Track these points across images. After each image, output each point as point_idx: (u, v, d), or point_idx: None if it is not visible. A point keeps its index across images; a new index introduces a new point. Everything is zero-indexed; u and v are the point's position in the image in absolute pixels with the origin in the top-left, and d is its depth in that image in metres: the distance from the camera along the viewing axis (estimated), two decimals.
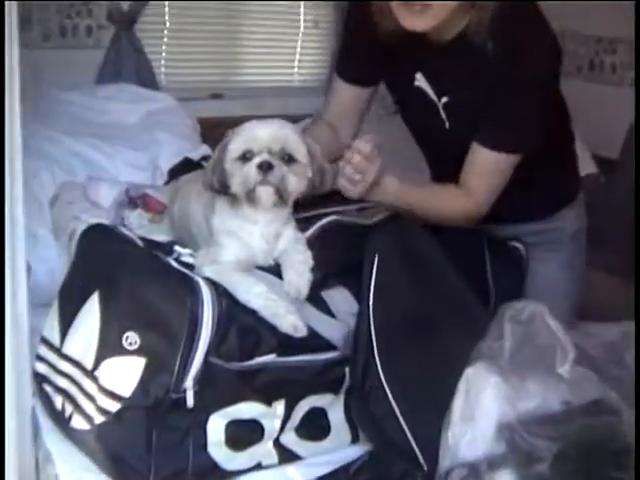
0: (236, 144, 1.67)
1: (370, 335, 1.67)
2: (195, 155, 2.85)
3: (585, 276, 2.37)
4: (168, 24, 4.02)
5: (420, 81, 2.02)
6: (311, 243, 1.76)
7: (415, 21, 1.81)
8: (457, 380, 1.60)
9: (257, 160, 1.63)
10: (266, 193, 1.65)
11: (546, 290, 2.18)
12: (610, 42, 3.75)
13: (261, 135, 1.66)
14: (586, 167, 3.29)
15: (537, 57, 1.85)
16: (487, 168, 1.92)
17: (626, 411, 1.56)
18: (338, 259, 1.79)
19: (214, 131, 3.48)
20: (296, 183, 1.67)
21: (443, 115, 2.02)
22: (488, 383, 1.56)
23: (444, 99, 2.00)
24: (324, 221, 1.82)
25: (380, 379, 1.65)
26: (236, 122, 3.97)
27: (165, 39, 4.05)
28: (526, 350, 1.60)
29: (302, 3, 4.40)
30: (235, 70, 4.39)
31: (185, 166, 2.70)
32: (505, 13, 1.82)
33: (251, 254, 1.72)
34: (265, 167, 1.62)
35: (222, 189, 1.69)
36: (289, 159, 1.66)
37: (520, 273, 2.18)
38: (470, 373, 1.59)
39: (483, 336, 1.66)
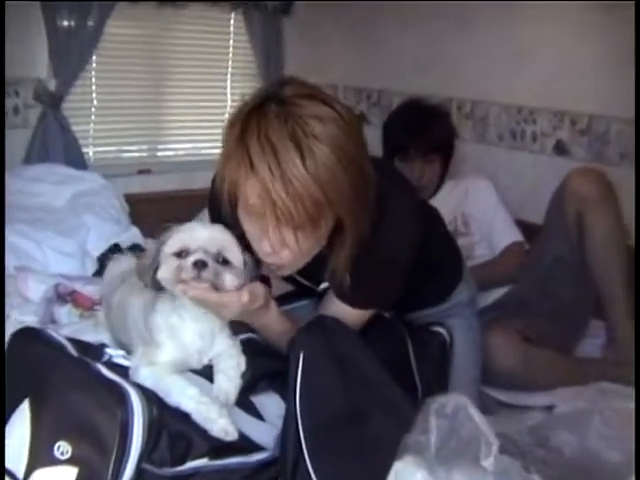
0: (174, 241, 1.70)
1: (298, 433, 1.69)
2: (124, 240, 2.87)
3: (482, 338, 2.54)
4: (95, 102, 4.04)
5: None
6: (244, 346, 1.80)
7: (276, 273, 1.85)
8: (386, 473, 1.63)
9: (192, 258, 1.66)
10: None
11: (457, 355, 2.32)
12: (530, 112, 3.87)
13: (199, 235, 1.69)
14: (510, 236, 3.39)
15: (395, 235, 1.88)
16: (341, 317, 1.92)
17: None
18: (269, 364, 1.84)
19: (143, 207, 3.55)
20: (230, 282, 1.70)
21: (320, 291, 2.07)
22: (415, 477, 1.59)
23: (323, 285, 2.04)
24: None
25: (310, 476, 1.66)
26: (165, 197, 4.04)
27: (92, 117, 4.06)
28: (451, 443, 1.63)
29: (229, 77, 4.48)
30: (163, 145, 4.43)
31: (114, 253, 2.72)
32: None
33: (187, 354, 1.76)
34: (200, 265, 1.66)
35: (156, 285, 1.72)
36: (224, 262, 1.70)
37: (444, 358, 2.24)
38: (399, 467, 1.62)
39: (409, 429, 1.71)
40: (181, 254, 1.68)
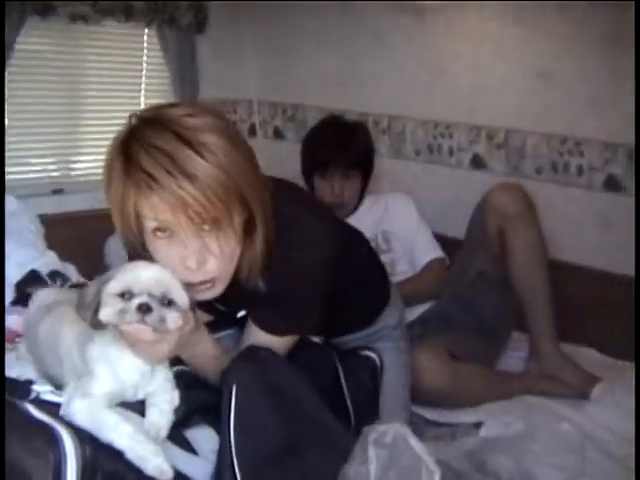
0: (117, 283, 1.63)
1: (233, 467, 1.66)
2: (42, 266, 2.79)
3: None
4: (7, 121, 3.94)
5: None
6: (177, 379, 1.76)
7: (203, 296, 1.79)
8: None
9: (137, 301, 1.61)
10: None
11: (387, 379, 2.31)
12: (447, 126, 3.91)
13: (143, 277, 1.64)
14: (432, 252, 3.42)
15: (303, 256, 1.87)
16: (264, 344, 1.91)
17: None
18: (202, 397, 1.80)
19: (58, 228, 3.47)
20: (174, 324, 1.64)
21: (238, 319, 2.06)
22: None
23: (240, 313, 2.03)
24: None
25: None
26: (79, 216, 3.95)
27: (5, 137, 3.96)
28: (391, 473, 1.64)
29: (142, 93, 4.43)
30: (76, 164, 4.35)
31: (32, 279, 2.66)
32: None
33: (123, 387, 1.70)
34: (144, 309, 1.60)
35: (96, 324, 1.66)
36: (169, 303, 1.64)
37: (375, 382, 2.24)
38: None
39: (347, 459, 1.69)
40: (124, 295, 1.62)
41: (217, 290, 1.80)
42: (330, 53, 4.35)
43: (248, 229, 1.76)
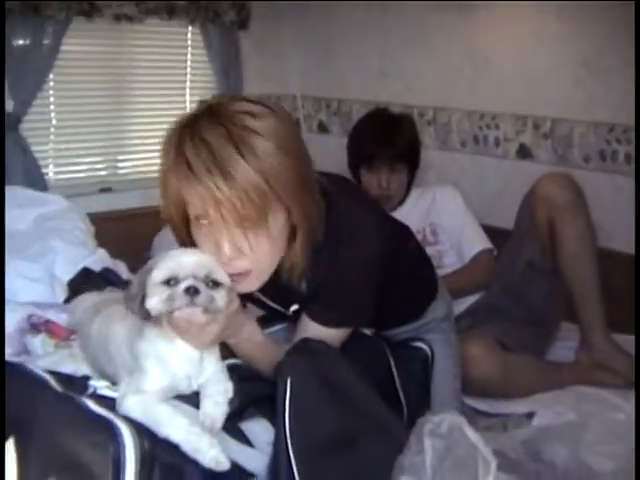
0: (160, 271, 1.66)
1: (289, 458, 1.66)
2: (93, 264, 2.81)
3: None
4: (54, 121, 3.98)
5: (259, 295, 2.05)
6: (231, 372, 1.77)
7: (238, 288, 1.80)
8: None
9: (184, 284, 1.63)
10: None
11: (437, 370, 2.31)
12: (492, 117, 3.89)
13: (186, 261, 1.66)
14: (479, 243, 3.39)
15: (356, 249, 1.88)
16: (318, 337, 1.91)
17: None
18: (256, 389, 1.82)
19: (106, 226, 3.50)
20: (223, 303, 1.67)
21: (290, 315, 2.06)
22: None
23: (293, 307, 2.03)
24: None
25: None
26: (127, 215, 3.99)
27: (51, 136, 4.01)
28: (447, 463, 1.63)
29: (187, 90, 4.45)
30: (123, 162, 4.39)
31: (85, 277, 2.68)
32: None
33: (175, 380, 1.72)
34: (192, 291, 1.63)
35: (144, 315, 1.68)
36: (214, 284, 1.67)
37: (426, 373, 2.23)
38: None
39: (401, 449, 1.69)
40: (169, 282, 1.65)
41: (251, 285, 1.83)
42: (372, 46, 4.35)
43: (290, 233, 1.80)
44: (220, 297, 1.67)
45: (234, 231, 1.71)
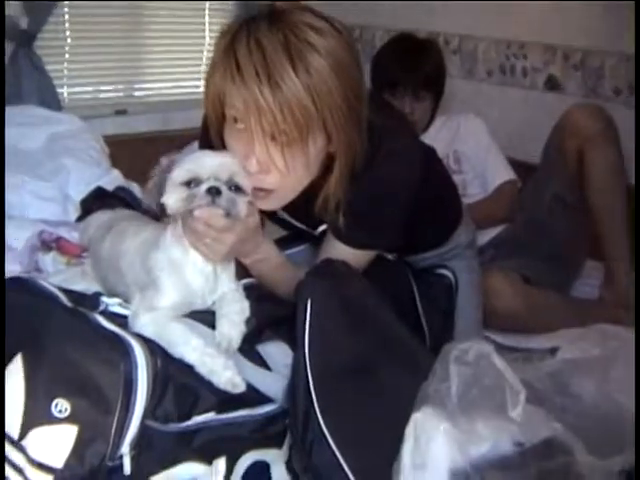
0: (182, 170, 1.60)
1: (308, 383, 1.61)
2: (107, 184, 2.75)
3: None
4: (69, 40, 3.89)
5: (284, 215, 1.99)
6: (247, 292, 1.71)
7: (259, 204, 1.73)
8: (402, 424, 1.57)
9: (206, 185, 1.57)
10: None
11: (459, 298, 2.25)
12: (520, 46, 3.78)
13: (209, 163, 1.60)
14: (504, 174, 3.32)
15: (392, 171, 1.82)
16: (342, 258, 1.85)
17: (577, 447, 1.55)
18: (274, 310, 1.76)
19: (120, 149, 3.44)
20: (245, 210, 1.62)
21: (317, 235, 2.00)
22: (438, 430, 1.53)
23: (321, 227, 1.97)
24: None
25: (321, 428, 1.58)
26: (142, 138, 3.93)
27: (66, 55, 3.91)
28: (473, 392, 1.58)
29: (207, 12, 4.34)
30: (139, 85, 4.30)
31: (98, 196, 2.61)
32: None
33: (189, 294, 1.67)
34: (214, 192, 1.57)
35: (163, 213, 1.63)
36: (236, 189, 1.61)
37: (450, 301, 2.18)
38: (418, 418, 1.57)
39: (425, 377, 1.63)
40: (190, 183, 1.58)
41: (271, 204, 1.77)
42: None
43: (330, 157, 1.73)
44: (242, 202, 1.60)
45: (269, 143, 1.64)
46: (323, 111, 1.61)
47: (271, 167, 1.67)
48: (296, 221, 2.00)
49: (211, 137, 1.80)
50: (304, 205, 1.81)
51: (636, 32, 2.78)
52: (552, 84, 3.69)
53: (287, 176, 1.69)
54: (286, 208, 1.87)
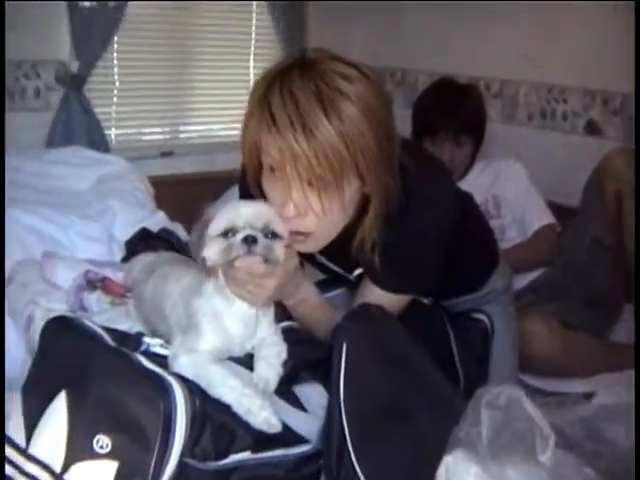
0: (219, 221, 1.65)
1: (342, 424, 1.63)
2: (152, 225, 2.81)
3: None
4: (117, 83, 3.99)
5: (322, 260, 2.03)
6: (285, 335, 1.75)
7: (297, 247, 1.79)
8: (433, 465, 1.58)
9: (242, 234, 1.62)
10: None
11: (495, 343, 2.25)
12: (560, 91, 3.81)
13: (244, 212, 1.65)
14: (543, 218, 3.33)
15: (428, 217, 1.85)
16: (379, 303, 1.87)
17: None
18: (310, 353, 1.79)
19: (165, 190, 3.50)
20: (282, 255, 1.66)
21: (353, 280, 2.04)
22: (468, 472, 1.54)
23: (357, 271, 2.00)
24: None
25: (355, 469, 1.60)
26: (187, 179, 4.00)
27: (114, 98, 4.01)
28: (504, 436, 1.58)
29: (252, 57, 4.43)
30: (185, 127, 4.39)
31: (142, 237, 2.67)
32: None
33: (229, 341, 1.71)
34: (250, 240, 1.61)
35: (203, 265, 1.68)
36: (272, 235, 1.65)
37: (486, 346, 2.19)
38: (449, 461, 1.57)
39: (458, 421, 1.65)
40: (227, 234, 1.63)
41: (308, 246, 1.81)
42: (440, 16, 4.27)
43: (365, 198, 1.77)
44: (279, 247, 1.65)
45: (306, 189, 1.69)
46: (356, 155, 1.65)
47: (308, 211, 1.72)
48: (333, 265, 2.04)
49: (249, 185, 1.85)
50: (341, 248, 1.85)
51: (636, 32, 2.79)
52: (592, 128, 3.72)
53: (324, 219, 1.73)
54: (323, 252, 1.92)
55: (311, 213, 1.72)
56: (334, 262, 2.02)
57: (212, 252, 1.64)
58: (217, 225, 1.65)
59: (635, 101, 2.75)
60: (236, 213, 1.65)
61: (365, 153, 1.67)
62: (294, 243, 1.76)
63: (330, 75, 1.65)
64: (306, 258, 1.90)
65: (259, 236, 1.62)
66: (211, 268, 1.69)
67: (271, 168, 1.71)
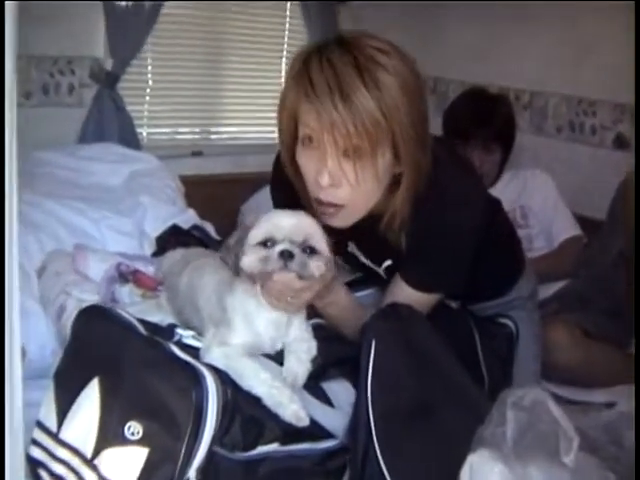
0: (259, 230, 1.67)
1: (369, 421, 1.66)
2: (182, 222, 2.84)
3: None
4: (150, 82, 4.03)
5: (353, 249, 2.06)
6: (315, 332, 1.78)
7: (329, 221, 1.81)
8: (458, 465, 1.60)
9: (279, 247, 1.63)
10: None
11: (519, 348, 2.27)
12: (590, 104, 3.82)
13: (284, 224, 1.66)
14: (570, 229, 3.36)
15: (457, 214, 1.87)
16: (408, 301, 1.89)
17: None
18: (339, 350, 1.83)
19: (195, 189, 3.53)
20: (317, 269, 1.66)
21: (383, 274, 2.06)
22: (492, 471, 1.56)
23: (386, 263, 2.03)
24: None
25: (380, 466, 1.63)
26: (217, 180, 4.02)
27: (147, 97, 4.06)
28: (528, 437, 1.60)
29: (284, 60, 4.46)
30: (216, 128, 4.44)
31: (173, 234, 2.71)
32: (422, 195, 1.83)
33: (259, 340, 1.74)
34: (287, 255, 1.63)
35: (237, 271, 1.70)
36: (311, 251, 1.66)
37: (510, 351, 2.21)
38: (474, 460, 1.60)
39: (482, 421, 1.67)
40: (266, 243, 1.65)
41: (341, 220, 1.83)
42: (472, 26, 4.29)
43: (396, 179, 1.79)
44: (315, 266, 1.66)
45: (341, 159, 1.71)
46: (392, 125, 1.68)
47: (342, 181, 1.74)
48: (363, 255, 2.05)
49: (282, 172, 1.90)
50: (370, 231, 1.88)
51: (636, 32, 2.79)
52: (620, 142, 3.72)
53: (357, 190, 1.75)
54: (354, 237, 1.95)
55: (345, 183, 1.74)
56: (364, 252, 2.04)
57: (249, 261, 1.66)
58: (256, 234, 1.66)
59: (635, 103, 2.74)
60: (276, 224, 1.67)
61: (401, 124, 1.69)
62: (326, 217, 1.79)
63: (367, 49, 1.69)
64: (338, 249, 1.92)
65: (296, 251, 1.63)
66: (248, 275, 1.70)
67: (308, 139, 1.74)
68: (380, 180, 1.77)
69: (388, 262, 2.01)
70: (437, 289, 1.97)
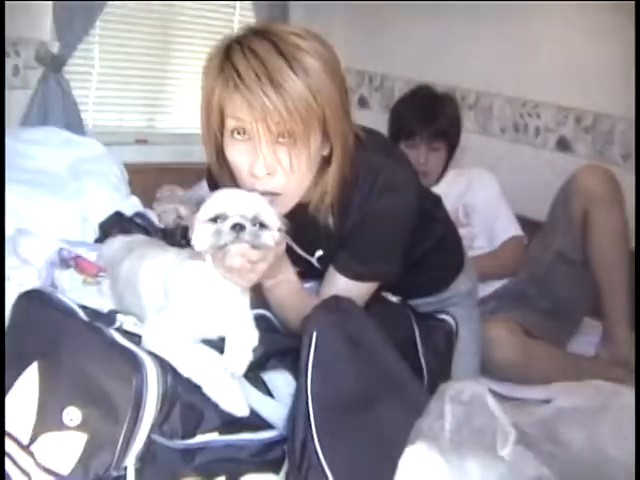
0: (209, 207, 1.66)
1: (308, 413, 1.66)
2: (126, 209, 2.82)
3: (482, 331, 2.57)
4: (97, 67, 3.99)
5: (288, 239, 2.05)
6: (257, 322, 1.77)
7: None
8: (397, 457, 1.61)
9: (230, 221, 1.63)
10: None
11: (458, 345, 2.32)
12: (534, 106, 3.87)
13: (235, 200, 1.66)
14: (511, 230, 3.40)
15: (389, 201, 1.90)
16: (344, 292, 1.91)
17: None
18: (281, 341, 1.83)
19: (139, 177, 3.51)
20: (269, 239, 1.66)
21: (316, 264, 2.07)
22: (430, 464, 1.58)
23: (318, 253, 2.05)
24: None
25: (318, 456, 1.63)
26: (161, 168, 3.99)
27: (93, 82, 4.01)
28: (465, 430, 1.62)
29: None
30: (161, 115, 4.40)
31: (116, 220, 2.69)
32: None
33: (203, 322, 1.73)
34: (238, 228, 1.62)
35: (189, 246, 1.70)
36: (261, 226, 1.66)
37: (449, 346, 2.24)
38: (411, 452, 1.61)
39: (421, 414, 1.69)
40: (216, 220, 1.64)
41: (279, 209, 1.80)
42: (422, 25, 4.31)
43: (325, 162, 1.82)
44: (267, 235, 1.66)
45: (274, 147, 1.72)
46: (323, 105, 1.70)
47: (278, 169, 1.74)
48: (297, 245, 2.05)
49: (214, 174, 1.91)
50: (302, 221, 1.86)
51: (636, 32, 2.84)
52: (563, 145, 3.78)
53: (292, 176, 1.77)
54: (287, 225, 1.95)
55: (280, 171, 1.75)
56: (297, 242, 2.03)
57: (200, 238, 1.65)
58: (207, 211, 1.66)
59: (635, 106, 2.78)
60: (227, 200, 1.67)
61: (330, 103, 1.72)
62: None
63: (284, 34, 1.70)
64: None
65: (247, 224, 1.63)
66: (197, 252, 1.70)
67: (237, 132, 1.74)
68: (312, 164, 1.79)
69: (319, 252, 2.03)
70: (371, 278, 1.99)
